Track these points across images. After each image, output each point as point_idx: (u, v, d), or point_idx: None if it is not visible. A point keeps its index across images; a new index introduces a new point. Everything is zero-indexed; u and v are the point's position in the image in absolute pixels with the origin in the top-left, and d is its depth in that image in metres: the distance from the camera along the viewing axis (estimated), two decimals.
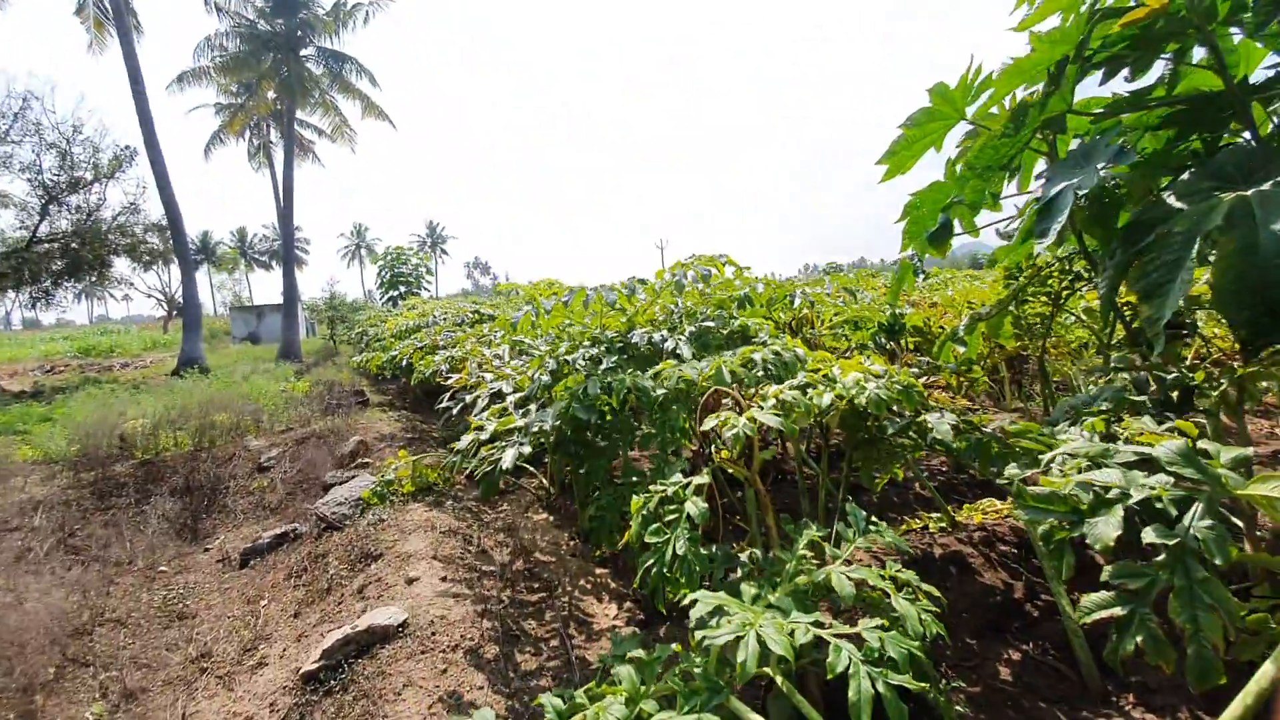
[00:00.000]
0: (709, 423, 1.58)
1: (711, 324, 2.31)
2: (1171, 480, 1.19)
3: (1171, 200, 1.84)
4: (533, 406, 2.58)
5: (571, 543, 3.67)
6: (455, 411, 3.33)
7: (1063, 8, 2.08)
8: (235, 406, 7.51)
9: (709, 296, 2.74)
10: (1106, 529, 1.17)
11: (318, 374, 13.05)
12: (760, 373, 1.95)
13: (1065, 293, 3.30)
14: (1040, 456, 2.05)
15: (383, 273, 25.71)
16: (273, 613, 3.54)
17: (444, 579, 2.95)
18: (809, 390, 1.73)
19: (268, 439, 6.86)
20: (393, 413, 7.79)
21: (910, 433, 2.17)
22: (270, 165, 27.02)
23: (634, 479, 1.93)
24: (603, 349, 2.28)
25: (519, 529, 3.86)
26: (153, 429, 6.65)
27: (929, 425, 2.13)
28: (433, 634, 2.43)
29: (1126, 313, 3.07)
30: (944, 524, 3.37)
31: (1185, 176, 1.89)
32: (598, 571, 3.19)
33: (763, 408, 1.66)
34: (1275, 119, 2.07)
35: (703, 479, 1.64)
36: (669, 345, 2.16)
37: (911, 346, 3.66)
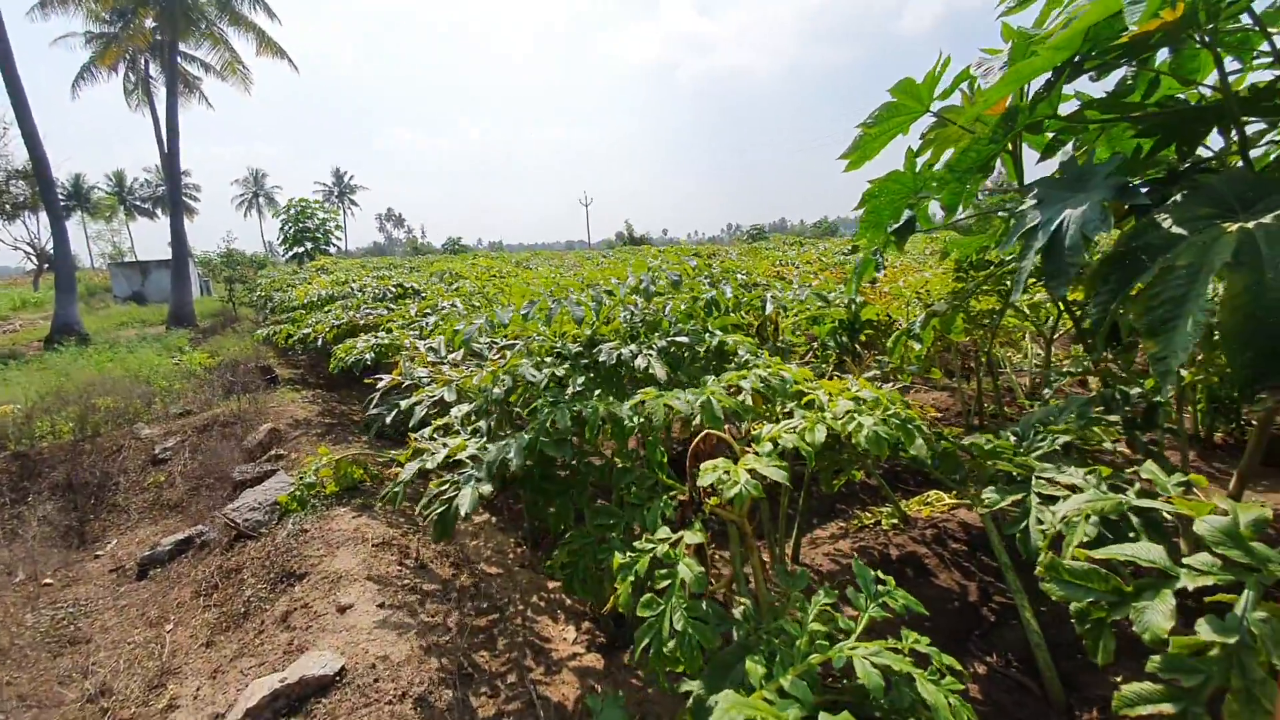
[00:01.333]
0: (707, 478, 1.41)
1: (685, 339, 2.11)
2: (1219, 563, 1.11)
3: (1167, 225, 1.78)
4: (483, 424, 2.32)
5: (519, 549, 3.46)
6: (389, 420, 3.01)
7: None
8: (122, 388, 6.72)
9: (656, 296, 2.53)
10: (1157, 617, 1.09)
11: (216, 344, 12.00)
12: (748, 399, 1.79)
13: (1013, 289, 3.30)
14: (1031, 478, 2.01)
15: (286, 227, 23.73)
16: (181, 639, 3.16)
17: (382, 605, 2.68)
18: (802, 429, 1.59)
19: (162, 425, 6.19)
20: (306, 392, 7.20)
21: None
22: (151, 104, 24.18)
23: (609, 520, 1.74)
24: (566, 366, 2.05)
25: (460, 534, 3.61)
26: (25, 417, 5.85)
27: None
28: (375, 681, 2.18)
29: (1077, 310, 3.11)
30: (895, 520, 3.39)
31: (1179, 199, 1.83)
32: (550, 586, 3.01)
33: (759, 453, 1.50)
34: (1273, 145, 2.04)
35: (696, 536, 1.47)
36: (640, 363, 1.96)
37: (863, 339, 3.60)
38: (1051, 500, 2.00)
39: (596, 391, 1.93)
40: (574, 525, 1.92)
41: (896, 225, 2.72)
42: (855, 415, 1.66)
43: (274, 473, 4.50)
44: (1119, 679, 2.26)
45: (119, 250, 62.40)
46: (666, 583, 1.41)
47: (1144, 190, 1.96)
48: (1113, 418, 2.12)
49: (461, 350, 3.28)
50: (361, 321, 5.34)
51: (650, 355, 1.99)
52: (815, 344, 3.14)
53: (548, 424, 1.76)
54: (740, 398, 1.80)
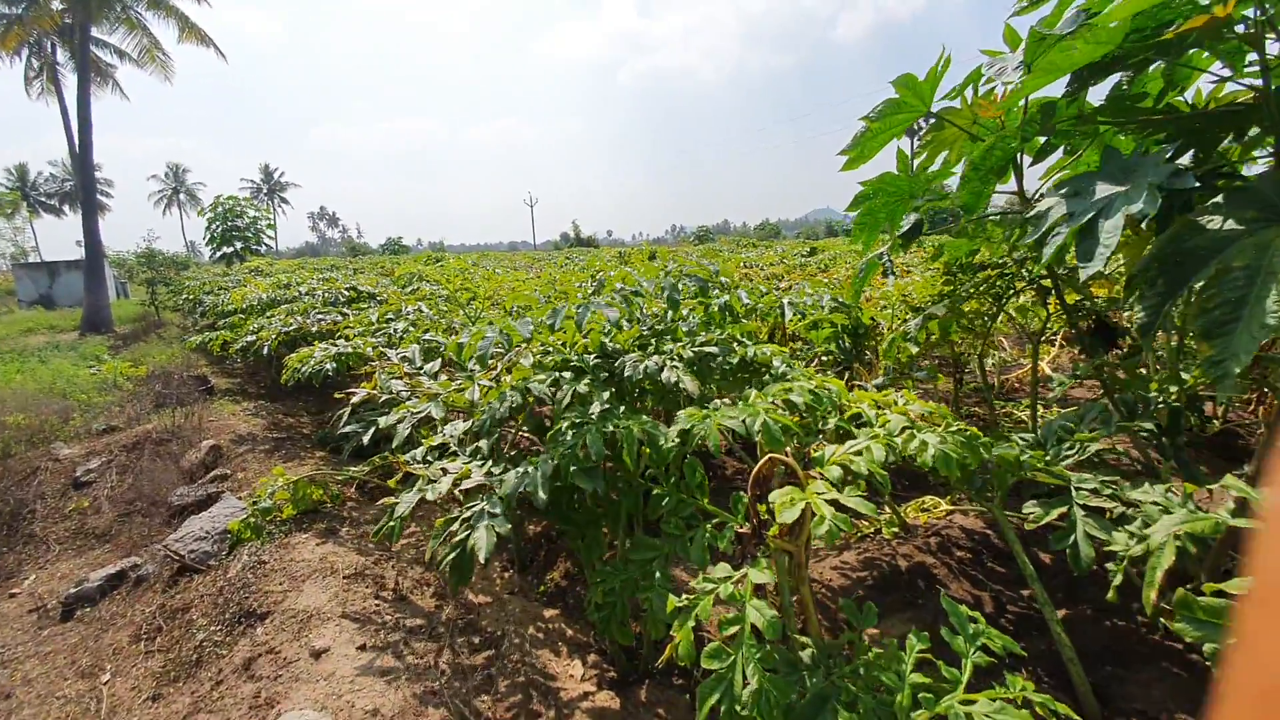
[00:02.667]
0: (786, 514, 1.24)
1: (714, 349, 1.94)
2: None
3: (1214, 227, 1.73)
4: (484, 444, 2.08)
5: (505, 574, 3.22)
6: (366, 439, 2.71)
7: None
8: (35, 403, 6.07)
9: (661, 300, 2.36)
10: None
11: (140, 351, 11.12)
12: (794, 416, 1.64)
13: (1009, 293, 3.28)
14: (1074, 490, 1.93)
15: (213, 226, 22.30)
16: (122, 693, 2.79)
17: (362, 648, 2.41)
18: (870, 449, 1.44)
19: (84, 444, 5.61)
20: (248, 403, 6.69)
21: None
22: (59, 93, 22.38)
23: (649, 554, 1.54)
24: (587, 380, 1.84)
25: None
26: None
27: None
28: None
29: (1078, 314, 3.11)
30: (896, 528, 3.32)
31: (1219, 201, 1.79)
32: (547, 614, 2.79)
33: (828, 479, 1.35)
34: None
35: (762, 574, 1.30)
36: (668, 376, 1.77)
37: (848, 344, 3.52)
38: (1098, 514, 1.93)
39: (621, 409, 1.74)
40: (606, 561, 1.72)
41: (904, 229, 2.63)
42: (915, 433, 1.53)
43: (220, 495, 4.10)
44: (1153, 689, 2.23)
45: (22, 250, 57.77)
46: (734, 629, 1.24)
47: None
48: (1146, 424, 2.08)
49: (438, 360, 3.03)
50: (313, 328, 4.95)
51: (677, 368, 1.82)
52: (821, 354, 3.03)
53: (577, 449, 1.56)
54: (789, 416, 1.64)
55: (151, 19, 19.98)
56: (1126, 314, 2.92)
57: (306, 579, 2.93)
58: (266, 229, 23.38)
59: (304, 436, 5.54)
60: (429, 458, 2.19)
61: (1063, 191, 1.99)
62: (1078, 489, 1.97)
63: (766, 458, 1.41)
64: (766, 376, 1.96)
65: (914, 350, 3.02)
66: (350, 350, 3.67)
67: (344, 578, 2.92)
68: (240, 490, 4.32)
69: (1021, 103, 2.77)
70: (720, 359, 1.93)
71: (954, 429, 1.60)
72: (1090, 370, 2.74)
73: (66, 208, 60.83)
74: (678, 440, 1.58)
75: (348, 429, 2.63)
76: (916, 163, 3.22)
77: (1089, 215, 1.77)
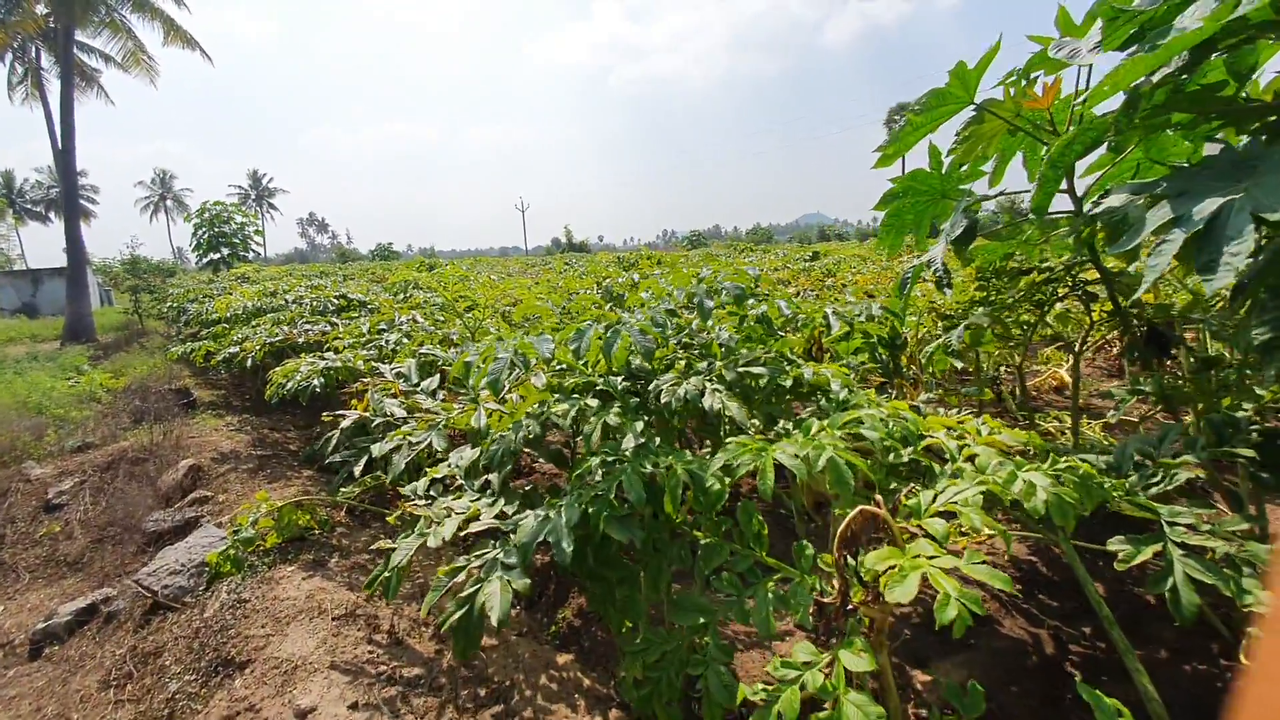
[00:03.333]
0: (896, 592, 0.98)
1: (761, 370, 1.68)
2: None
3: None
4: (494, 478, 1.82)
5: (512, 610, 2.94)
6: (358, 471, 2.44)
7: None
8: (8, 419, 5.74)
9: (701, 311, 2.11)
10: None
11: (121, 362, 10.76)
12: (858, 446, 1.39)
13: (1053, 300, 3.05)
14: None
15: (199, 232, 21.87)
16: None
17: (354, 707, 2.13)
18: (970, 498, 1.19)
19: (57, 463, 5.29)
20: (231, 418, 6.38)
21: None
22: (43, 97, 21.92)
23: (699, 618, 1.28)
24: (615, 409, 1.57)
25: None
26: None
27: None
28: None
29: (1133, 321, 2.87)
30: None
31: None
32: (560, 660, 2.52)
33: (930, 534, 1.10)
34: None
35: (859, 659, 1.05)
36: (710, 404, 1.51)
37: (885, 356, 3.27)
38: (1199, 553, 1.69)
39: (657, 442, 1.48)
40: (646, 626, 1.45)
41: (957, 234, 2.37)
42: (1017, 471, 1.28)
43: (198, 522, 3.81)
44: None
45: (7, 258, 56.98)
46: None
47: None
48: (1244, 451, 1.84)
49: (436, 376, 2.76)
50: (300, 339, 4.66)
51: (719, 392, 1.56)
52: (859, 365, 2.78)
53: (611, 494, 1.30)
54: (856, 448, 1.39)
55: (136, 22, 19.65)
56: (1207, 327, 2.68)
57: (291, 620, 2.65)
58: (254, 235, 22.98)
59: (290, 453, 5.24)
60: (431, 493, 1.93)
61: (1161, 190, 1.75)
62: (1170, 524, 1.72)
63: (858, 511, 1.15)
64: (823, 401, 1.70)
65: (956, 364, 2.78)
66: (340, 364, 3.39)
67: (333, 619, 2.64)
68: (221, 514, 4.02)
69: (1070, 96, 2.55)
70: (769, 380, 1.67)
71: (1061, 465, 1.35)
72: (1155, 385, 2.51)
73: (53, 215, 60.05)
74: (723, 478, 1.33)
75: (338, 457, 2.35)
76: (948, 160, 2.99)
77: (1204, 217, 1.52)
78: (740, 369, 1.70)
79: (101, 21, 19.15)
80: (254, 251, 23.06)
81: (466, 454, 1.93)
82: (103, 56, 20.83)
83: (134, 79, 21.01)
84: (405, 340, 3.48)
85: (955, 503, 1.19)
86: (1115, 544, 1.76)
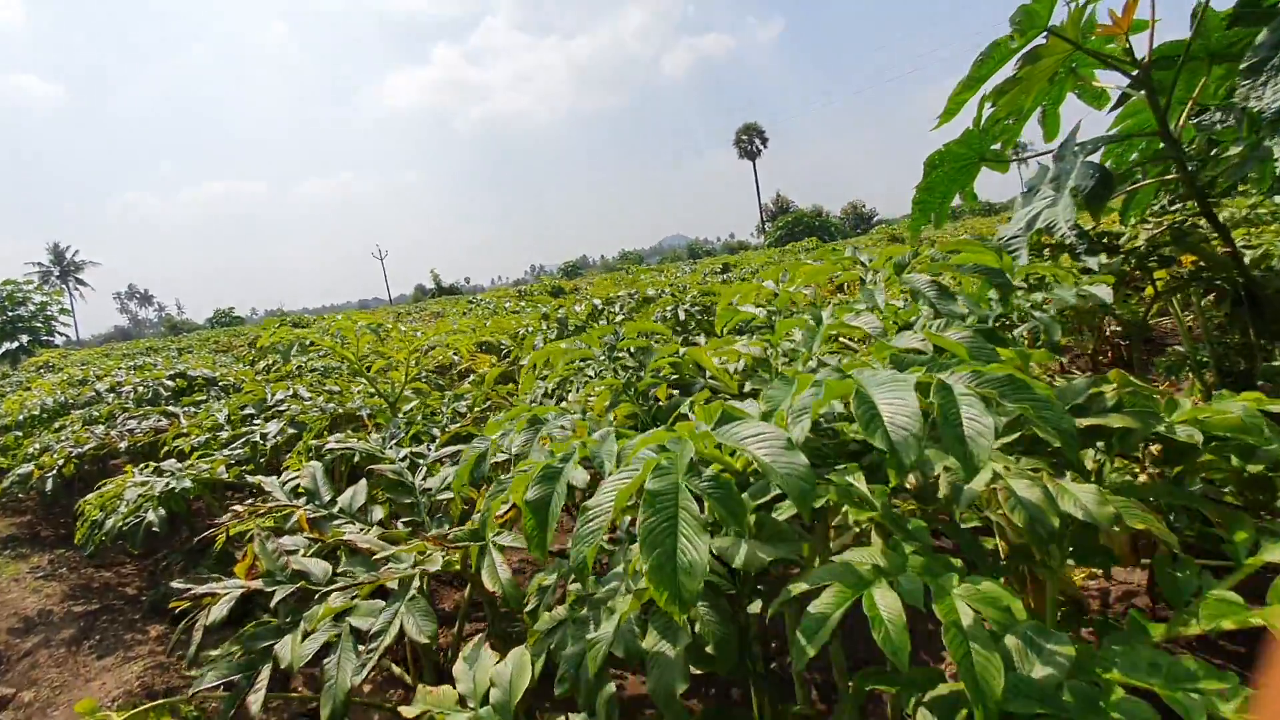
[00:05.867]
0: None
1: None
2: None
3: None
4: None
5: None
6: (256, 703, 1.38)
7: None
8: None
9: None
10: None
11: None
12: None
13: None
14: None
15: None
16: None
17: None
18: None
19: None
20: (39, 558, 4.72)
21: None
22: None
23: None
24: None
25: None
26: None
27: None
28: None
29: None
30: None
31: None
32: None
33: None
34: None
35: None
36: None
37: None
38: None
39: None
40: None
41: (1089, 187, 1.76)
42: None
43: None
44: None
45: None
46: None
47: None
48: None
49: (363, 485, 1.77)
50: (123, 444, 3.35)
51: None
52: None
53: None
54: None
55: None
56: None
57: None
58: (60, 315, 19.47)
59: (129, 600, 3.82)
60: None
61: None
62: None
63: None
64: None
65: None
66: (191, 480, 2.26)
67: None
68: None
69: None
70: None
71: None
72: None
73: None
74: None
75: (212, 677, 1.29)
76: (986, 114, 2.46)
77: None
78: None
79: None
80: (60, 335, 19.52)
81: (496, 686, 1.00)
82: None
83: None
84: (293, 429, 2.40)
85: None
86: None
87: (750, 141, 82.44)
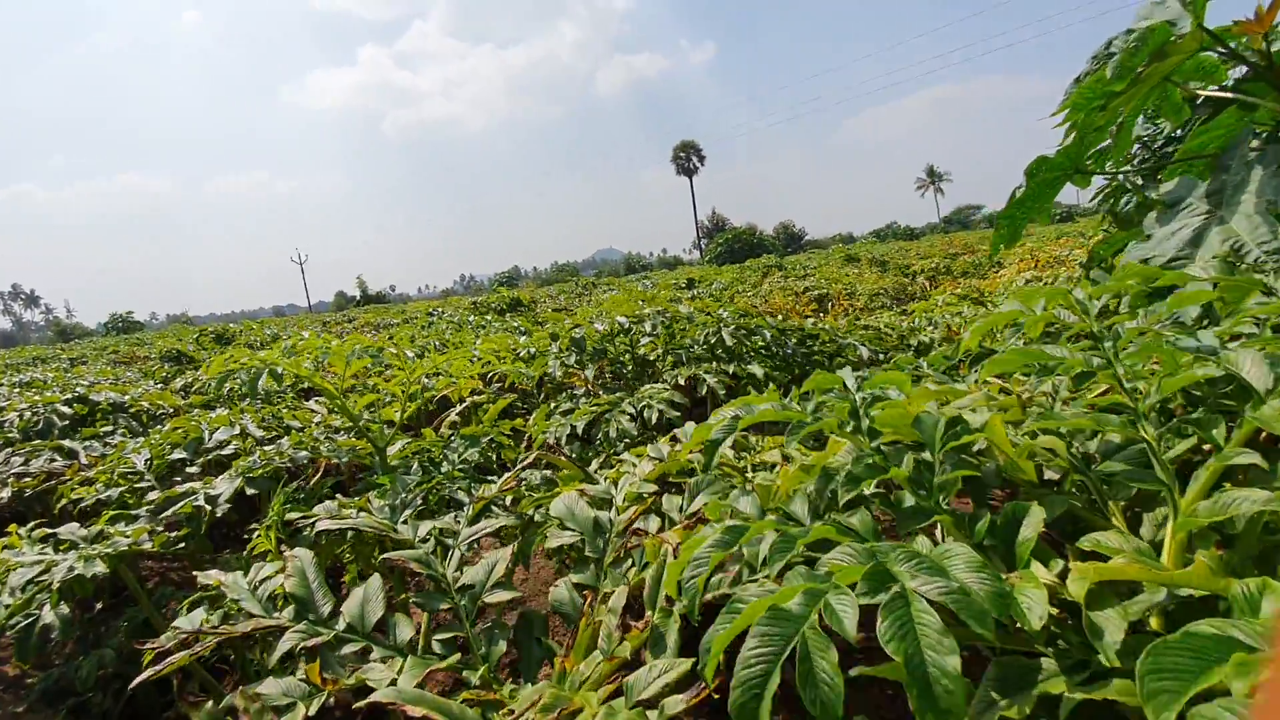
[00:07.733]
0: None
1: None
2: None
3: None
4: None
5: None
6: None
7: None
8: None
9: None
10: None
11: None
12: None
13: None
14: None
15: None
16: None
17: None
18: None
19: None
20: None
21: None
22: None
23: None
24: None
25: None
26: None
27: None
28: None
29: None
30: None
31: None
32: None
33: None
34: None
35: None
36: None
37: None
38: None
39: None
40: None
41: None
42: None
43: None
44: None
45: None
46: None
47: None
48: None
49: (376, 588, 1.25)
50: (4, 493, 2.61)
51: None
52: None
53: None
54: None
55: None
56: None
57: None
58: None
59: (14, 686, 3.04)
60: None
61: None
62: None
63: None
64: None
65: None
66: (104, 559, 1.63)
67: None
68: None
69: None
70: None
71: None
72: None
73: None
74: None
75: None
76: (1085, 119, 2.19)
77: None
78: None
79: None
80: None
81: None
82: None
83: None
84: (252, 488, 1.79)
85: None
86: None
87: (688, 158, 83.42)
